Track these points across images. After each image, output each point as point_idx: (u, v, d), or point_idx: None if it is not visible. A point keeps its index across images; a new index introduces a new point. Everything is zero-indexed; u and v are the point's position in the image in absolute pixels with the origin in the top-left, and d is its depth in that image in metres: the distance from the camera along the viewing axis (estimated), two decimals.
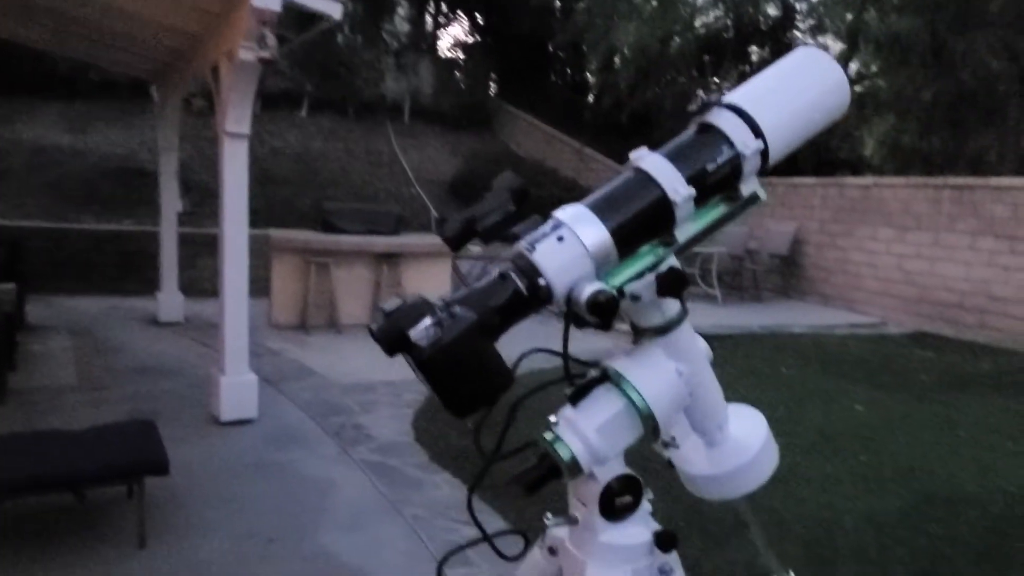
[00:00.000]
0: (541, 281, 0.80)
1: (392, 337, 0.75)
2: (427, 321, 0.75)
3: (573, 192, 11.85)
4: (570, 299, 0.81)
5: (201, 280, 8.25)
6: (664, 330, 0.90)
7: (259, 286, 6.78)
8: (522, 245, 0.83)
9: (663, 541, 0.91)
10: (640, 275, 0.86)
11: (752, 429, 0.98)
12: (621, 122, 13.73)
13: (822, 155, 12.79)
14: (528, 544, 1.06)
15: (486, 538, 1.02)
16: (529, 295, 0.80)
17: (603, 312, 0.79)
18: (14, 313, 5.67)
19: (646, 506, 0.92)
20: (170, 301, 7.41)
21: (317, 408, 5.03)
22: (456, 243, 0.88)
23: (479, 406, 0.79)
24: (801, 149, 1.03)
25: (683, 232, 0.89)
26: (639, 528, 0.91)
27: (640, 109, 13.37)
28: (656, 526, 0.93)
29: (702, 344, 0.96)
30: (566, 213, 0.85)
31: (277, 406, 4.99)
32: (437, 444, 4.46)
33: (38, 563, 2.91)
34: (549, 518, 0.94)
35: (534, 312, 0.83)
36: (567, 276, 0.81)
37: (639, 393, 0.87)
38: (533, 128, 14.97)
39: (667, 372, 0.89)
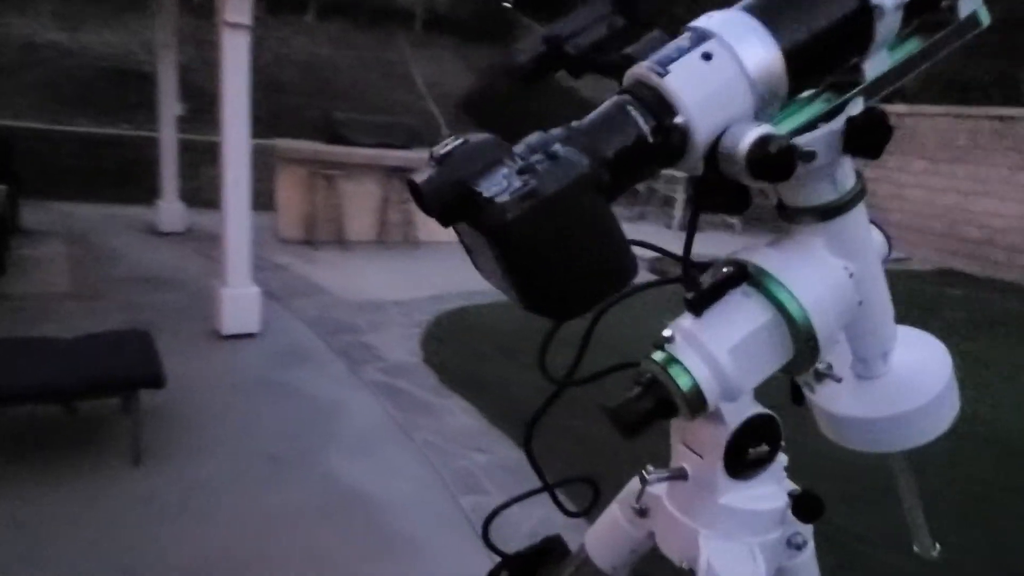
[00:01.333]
0: (678, 119, 0.52)
1: (449, 193, 0.48)
2: (504, 169, 0.48)
3: (524, 84, 11.43)
4: (715, 151, 0.53)
5: (204, 189, 7.90)
6: (832, 212, 0.61)
7: (264, 199, 6.50)
8: (645, 67, 0.54)
9: (804, 507, 0.65)
10: (810, 127, 0.58)
11: (929, 362, 0.70)
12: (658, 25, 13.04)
13: None
14: (599, 496, 0.81)
15: (547, 487, 0.77)
16: (655, 141, 0.52)
17: (774, 169, 0.51)
18: (6, 216, 5.40)
19: (782, 459, 0.67)
20: (171, 210, 7.12)
21: (324, 325, 4.81)
22: (532, 75, 0.59)
23: (587, 302, 0.51)
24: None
25: (873, 66, 0.59)
26: (772, 488, 0.66)
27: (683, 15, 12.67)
28: (792, 486, 0.67)
29: (878, 236, 0.68)
30: (714, 20, 0.55)
31: (282, 322, 4.78)
32: (447, 367, 4.26)
33: (26, 479, 2.73)
34: (650, 471, 0.67)
35: (657, 170, 0.55)
36: (715, 114, 0.53)
37: (795, 299, 0.60)
38: None
39: (833, 271, 0.62)
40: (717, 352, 0.59)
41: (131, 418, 2.90)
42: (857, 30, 0.57)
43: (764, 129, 0.52)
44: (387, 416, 3.61)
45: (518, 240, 0.47)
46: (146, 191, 7.51)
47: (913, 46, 0.62)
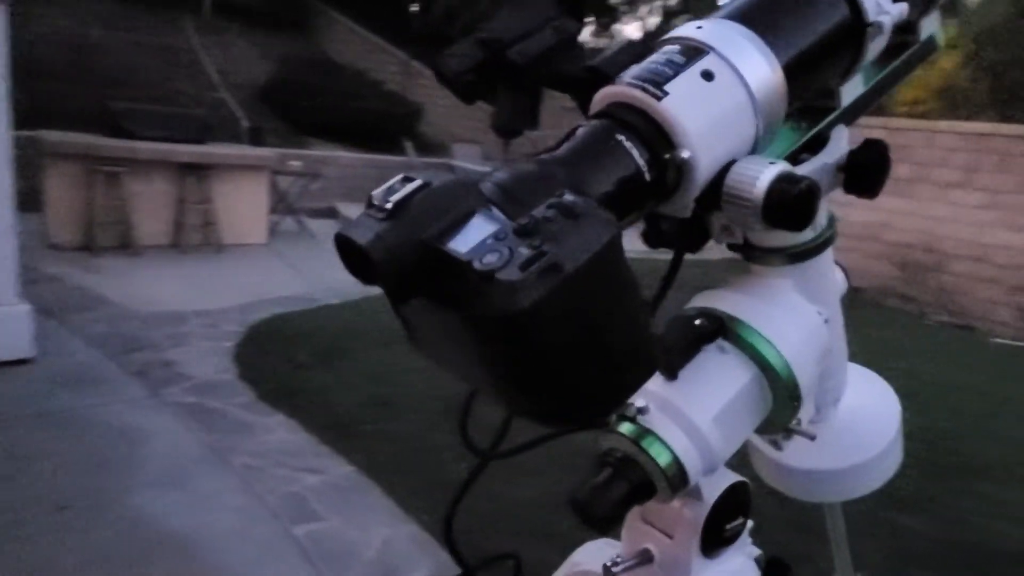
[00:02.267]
0: (684, 154, 0.44)
1: (411, 259, 0.36)
2: (483, 224, 0.37)
3: (402, 107, 11.19)
4: (718, 190, 0.46)
5: None
6: (806, 254, 0.56)
7: (29, 199, 5.63)
8: (631, 85, 0.45)
9: (773, 574, 0.61)
10: (790, 159, 0.52)
11: (879, 409, 0.68)
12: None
13: None
14: (520, 573, 0.71)
15: (466, 572, 0.67)
16: (652, 179, 0.44)
17: (797, 215, 0.45)
18: None
19: (747, 524, 0.61)
20: None
21: (114, 344, 4.25)
22: (470, 89, 0.48)
23: (620, 399, 0.42)
24: None
25: (848, 90, 0.55)
26: (740, 559, 0.60)
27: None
28: (755, 550, 0.62)
29: (840, 277, 0.64)
30: (706, 32, 0.47)
31: (62, 342, 4.16)
32: (266, 381, 3.94)
33: None
34: (618, 560, 0.58)
35: (642, 213, 0.46)
36: (717, 146, 0.45)
37: (777, 351, 0.54)
38: (353, 35, 13.85)
39: (808, 317, 0.57)
40: (700, 421, 0.51)
41: None
42: (846, 48, 0.52)
43: (782, 167, 0.45)
44: (199, 442, 3.26)
45: (532, 332, 0.35)
46: None
47: (876, 70, 0.58)
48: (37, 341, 3.87)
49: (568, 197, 0.37)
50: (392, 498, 2.92)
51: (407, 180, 0.39)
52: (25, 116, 5.35)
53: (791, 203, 0.44)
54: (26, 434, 3.15)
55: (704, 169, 0.45)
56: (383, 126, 10.41)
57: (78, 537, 2.49)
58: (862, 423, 0.67)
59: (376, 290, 0.39)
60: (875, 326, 5.80)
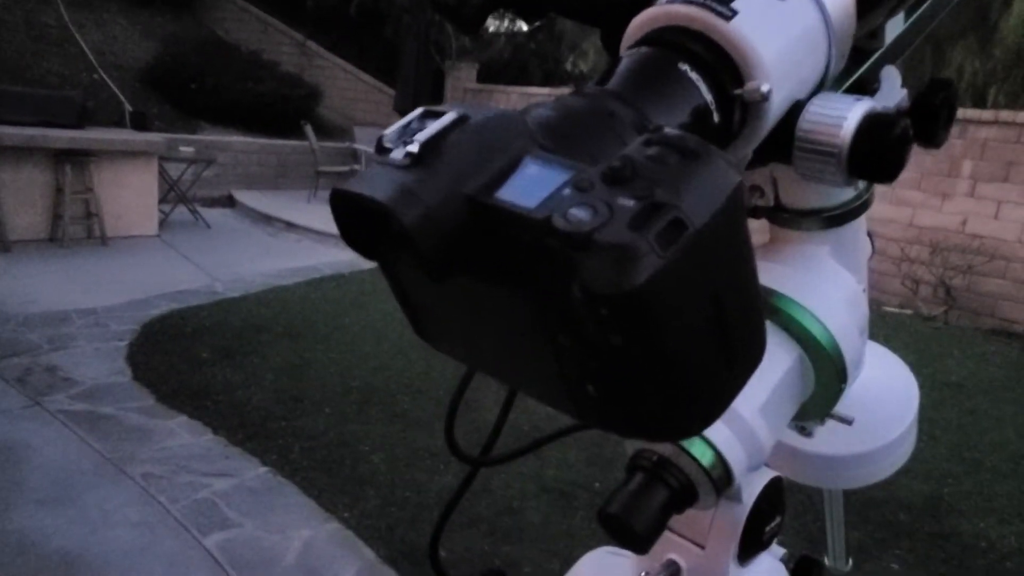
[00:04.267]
0: (763, 87, 0.34)
1: (446, 222, 0.26)
2: (536, 171, 0.27)
3: (299, 89, 10.75)
4: (782, 137, 0.37)
5: None
6: (844, 216, 0.49)
7: None
8: (692, 3, 0.35)
9: (806, 573, 0.54)
10: None
11: (896, 390, 0.62)
12: (349, 15, 12.59)
13: None
14: None
15: None
16: (722, 118, 0.34)
17: (890, 163, 0.36)
18: None
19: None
20: None
21: None
22: (476, 16, 0.38)
23: (731, 397, 0.30)
24: None
25: (893, 27, 0.47)
26: (768, 560, 0.53)
27: (370, 1, 12.36)
28: (780, 550, 0.55)
29: (868, 242, 0.57)
30: None
31: None
32: (166, 381, 3.67)
33: None
34: (648, 571, 0.49)
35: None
36: (789, 80, 0.37)
37: (823, 326, 0.46)
38: (245, 14, 13.16)
39: (848, 287, 0.49)
40: (746, 411, 0.43)
41: None
42: None
43: (871, 104, 0.37)
44: (91, 451, 2.98)
45: (659, 314, 0.25)
46: None
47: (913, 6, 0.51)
48: None
49: (672, 132, 0.27)
50: (310, 497, 2.77)
51: (430, 115, 0.28)
52: None
53: (886, 149, 0.36)
54: None
55: (775, 108, 0.36)
56: (280, 109, 9.95)
57: None
58: (879, 406, 0.61)
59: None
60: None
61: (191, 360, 3.93)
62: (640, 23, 0.37)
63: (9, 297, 4.71)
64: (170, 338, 4.24)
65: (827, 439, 0.58)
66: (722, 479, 0.43)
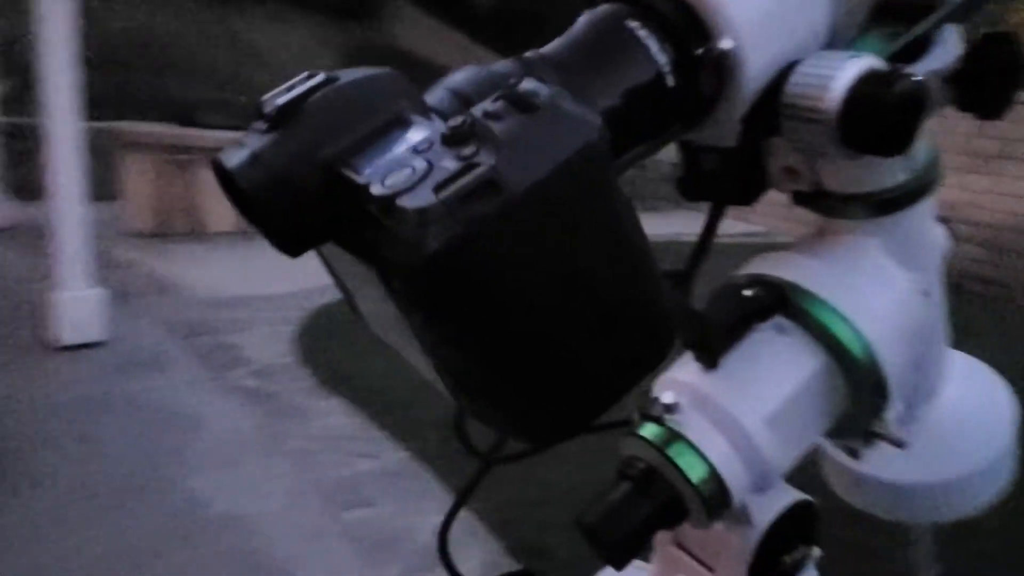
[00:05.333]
0: (724, 44, 0.31)
1: (297, 189, 0.25)
2: (413, 134, 0.25)
3: None
4: (770, 102, 0.33)
5: (37, 179, 7.07)
6: (898, 202, 0.42)
7: (107, 188, 5.85)
8: None
9: None
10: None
11: (987, 409, 0.52)
12: (512, 18, 12.92)
13: None
14: None
15: None
16: (676, 85, 0.31)
17: (894, 128, 0.31)
18: None
19: (814, 554, 0.48)
20: None
21: (180, 328, 4.36)
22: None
23: (600, 404, 0.28)
24: None
25: None
26: None
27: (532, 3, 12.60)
28: None
29: (941, 235, 0.48)
30: None
31: (132, 326, 4.28)
32: (326, 366, 3.96)
33: None
34: None
35: (662, 138, 0.34)
36: (775, 40, 0.33)
37: (856, 330, 0.40)
38: (427, 26, 13.88)
39: (900, 287, 0.43)
40: (748, 423, 0.39)
41: None
42: None
43: (869, 61, 0.32)
44: (256, 425, 3.29)
45: (456, 293, 0.23)
46: None
47: None
48: (109, 325, 3.99)
49: (526, 84, 0.25)
50: (446, 485, 2.88)
51: (310, 76, 0.28)
52: (102, 107, 5.55)
53: (884, 112, 0.31)
54: (97, 416, 3.24)
55: (755, 71, 0.33)
56: None
57: (140, 517, 2.54)
58: (965, 426, 0.53)
59: None
60: (956, 312, 5.41)
61: (349, 347, 4.21)
62: None
63: (203, 283, 5.30)
64: (333, 325, 4.56)
65: (894, 465, 0.52)
66: (715, 499, 0.39)
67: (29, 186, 6.78)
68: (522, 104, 0.24)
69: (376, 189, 0.23)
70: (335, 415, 3.46)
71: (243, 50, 11.98)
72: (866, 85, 0.32)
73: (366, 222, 0.24)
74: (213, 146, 4.85)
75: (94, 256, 4.00)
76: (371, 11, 14.38)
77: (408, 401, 3.57)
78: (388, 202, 0.23)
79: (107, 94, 7.43)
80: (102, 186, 3.95)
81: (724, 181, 0.38)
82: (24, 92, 7.76)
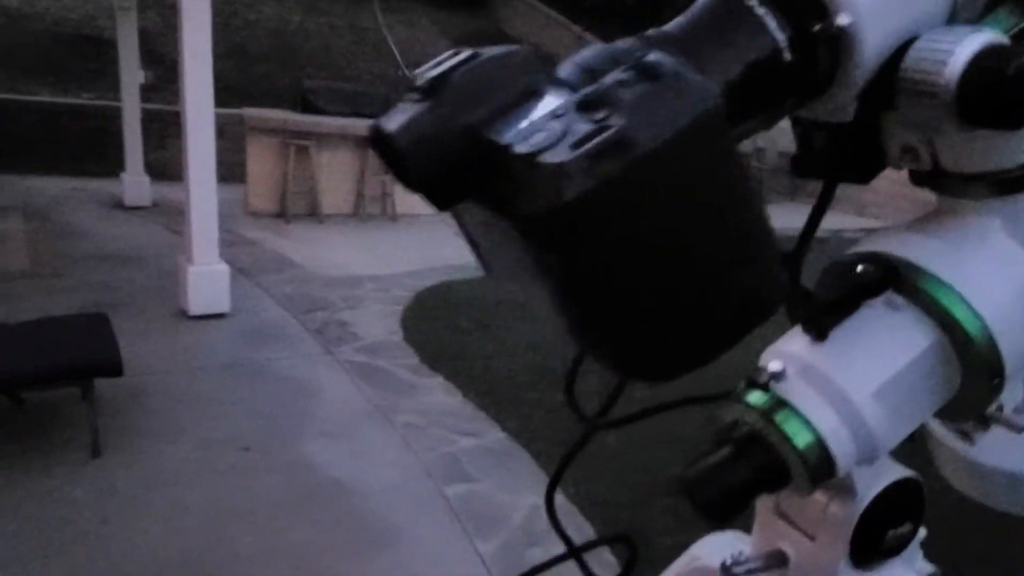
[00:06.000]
0: (841, 20, 0.32)
1: (448, 149, 0.28)
2: (549, 104, 0.28)
3: None
4: (889, 77, 0.33)
5: (172, 162, 7.58)
6: (1019, 182, 0.41)
7: (234, 171, 6.23)
8: None
9: None
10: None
11: None
12: (625, 5, 12.74)
13: None
14: (636, 558, 0.62)
15: (572, 552, 0.59)
16: (794, 60, 0.32)
17: (1012, 102, 0.31)
18: None
19: (919, 533, 0.48)
20: (136, 183, 6.82)
21: (297, 303, 4.60)
22: None
23: (715, 349, 0.30)
24: None
25: None
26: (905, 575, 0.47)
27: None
28: (929, 567, 0.49)
29: None
30: None
31: (253, 300, 4.56)
32: (429, 344, 4.08)
33: None
34: (740, 559, 0.48)
35: (781, 112, 0.34)
36: (894, 15, 0.33)
37: (972, 310, 0.40)
38: (531, 10, 13.93)
39: (1020, 269, 0.41)
40: (855, 395, 0.39)
41: (88, 407, 2.69)
42: None
43: (988, 35, 0.32)
44: (365, 398, 3.43)
45: (589, 237, 0.25)
46: (110, 163, 7.19)
47: None
48: (232, 298, 4.27)
49: (653, 55, 0.27)
50: (542, 466, 2.91)
51: (456, 52, 0.31)
52: (232, 95, 5.93)
53: (1002, 85, 0.31)
54: (218, 382, 3.48)
55: (872, 46, 0.33)
56: None
57: (256, 477, 2.71)
58: None
59: None
60: None
61: (452, 327, 4.31)
62: None
63: (319, 261, 5.57)
64: (437, 306, 4.69)
65: (1015, 453, 0.49)
66: (820, 466, 0.39)
67: (165, 168, 7.34)
68: (649, 73, 0.26)
69: (519, 148, 0.26)
70: (438, 392, 3.56)
71: (362, 39, 12.40)
72: (985, 59, 0.31)
73: (508, 177, 0.26)
74: (329, 132, 5.08)
75: (222, 234, 4.28)
76: (484, 1, 14.58)
77: (510, 383, 3.63)
78: (531, 158, 0.25)
79: (237, 82, 7.89)
80: (228, 168, 4.20)
81: (840, 159, 0.38)
82: (163, 81, 8.37)
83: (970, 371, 0.41)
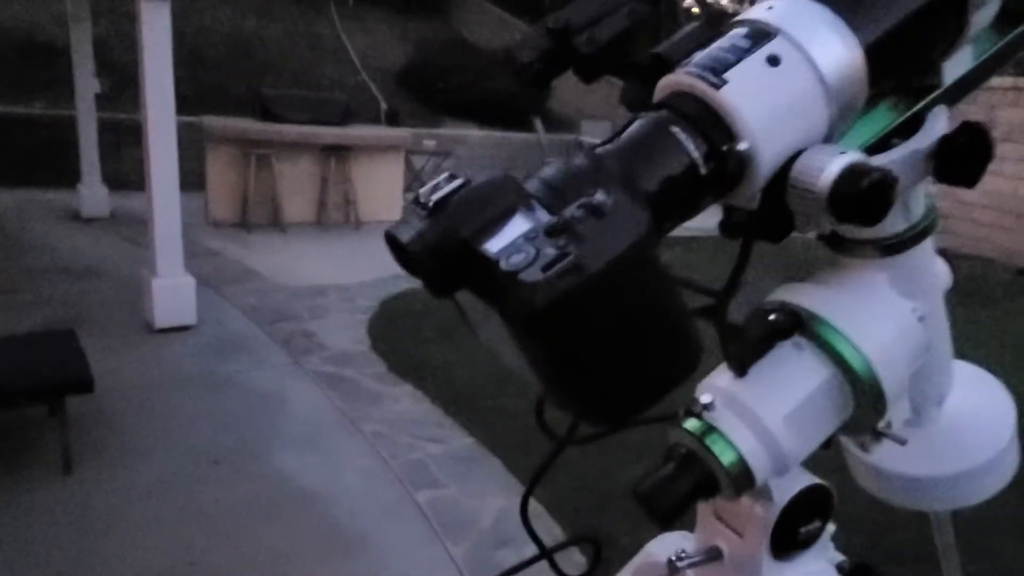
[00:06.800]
0: (741, 146, 0.42)
1: (447, 257, 0.38)
2: (522, 223, 0.38)
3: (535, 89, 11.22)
4: (778, 185, 0.44)
5: (127, 172, 7.51)
6: (901, 245, 0.53)
7: (193, 180, 6.18)
8: (690, 73, 0.44)
9: None
10: (879, 145, 0.49)
11: (989, 410, 0.63)
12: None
13: None
14: (600, 557, 0.73)
15: (544, 554, 0.69)
16: (708, 172, 0.42)
17: (865, 209, 0.41)
18: None
19: (829, 528, 0.59)
20: (93, 194, 6.73)
21: (263, 314, 4.62)
22: (539, 78, 0.49)
23: (647, 402, 0.41)
24: None
25: (953, 66, 0.51)
26: (819, 564, 0.58)
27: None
28: (839, 556, 0.60)
29: (942, 268, 0.60)
30: (777, 12, 0.45)
31: (218, 311, 4.57)
32: (395, 354, 4.15)
33: None
34: (681, 557, 0.59)
35: (700, 208, 0.45)
36: (783, 136, 0.43)
37: (858, 351, 0.51)
38: (489, 15, 14.02)
39: (900, 315, 0.53)
40: (769, 420, 0.50)
41: (58, 424, 2.71)
42: (946, 19, 0.48)
43: (851, 157, 0.42)
44: (333, 407, 3.49)
45: (554, 333, 0.36)
46: (65, 174, 7.07)
47: (990, 42, 0.53)
48: (197, 310, 4.28)
49: (599, 196, 0.37)
50: (509, 471, 3.01)
51: (452, 178, 0.40)
52: (188, 103, 5.88)
53: (860, 197, 0.41)
54: (187, 395, 3.50)
55: (767, 160, 0.43)
56: (513, 104, 10.49)
57: (226, 487, 2.76)
58: (970, 426, 0.62)
59: None
60: None
61: (417, 337, 4.38)
62: (660, 86, 0.46)
63: (283, 272, 5.58)
64: (402, 315, 4.75)
65: (909, 459, 0.61)
66: (742, 478, 0.49)
67: (121, 178, 7.25)
68: (596, 212, 0.36)
69: (504, 265, 0.36)
70: (406, 400, 3.63)
71: (319, 46, 12.34)
72: (847, 176, 0.41)
73: (495, 282, 0.36)
74: (290, 140, 5.11)
75: (183, 245, 4.28)
76: (442, 6, 14.62)
77: (474, 390, 3.72)
78: (513, 276, 0.35)
79: (193, 90, 7.82)
80: (185, 176, 4.19)
81: (754, 227, 0.48)
82: (117, 90, 8.25)
83: (859, 398, 0.52)
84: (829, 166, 0.42)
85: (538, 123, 9.76)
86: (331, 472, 2.93)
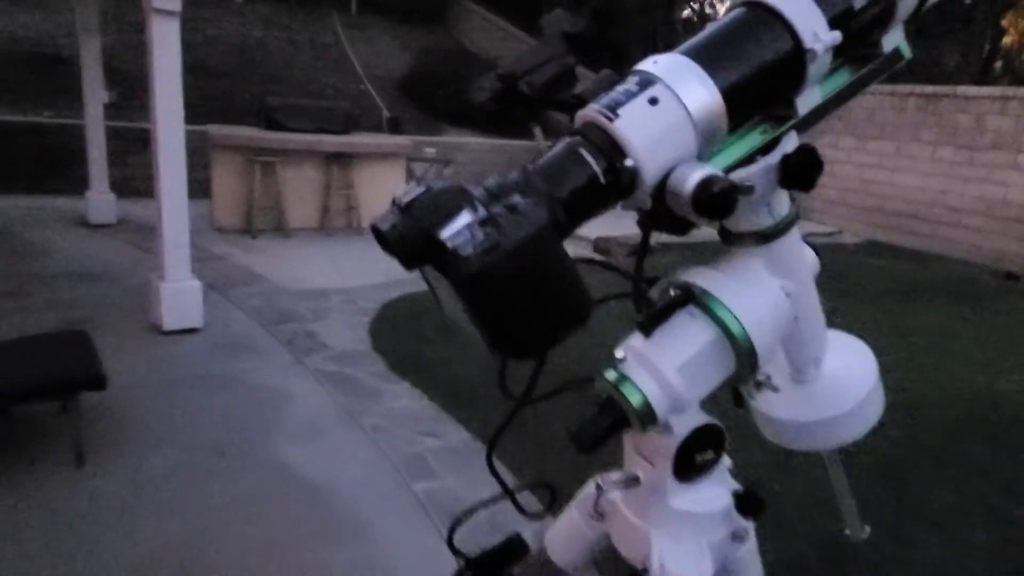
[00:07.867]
0: (628, 162, 0.58)
1: (414, 241, 0.52)
2: (465, 217, 0.52)
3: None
4: (663, 190, 0.59)
5: (134, 179, 7.69)
6: (768, 236, 0.68)
7: (199, 187, 6.33)
8: (594, 109, 0.60)
9: (747, 505, 0.72)
10: (747, 159, 0.64)
11: (857, 366, 0.78)
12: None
13: None
14: (556, 499, 0.86)
15: (507, 492, 0.82)
16: (607, 181, 0.58)
17: (716, 208, 0.57)
18: None
19: (726, 462, 0.73)
20: (101, 201, 6.88)
21: (267, 316, 4.76)
22: (492, 115, 0.65)
23: (547, 343, 0.57)
24: None
25: (805, 101, 0.65)
26: (717, 490, 0.72)
27: (604, 5, 12.73)
28: (736, 485, 0.74)
29: (809, 255, 0.75)
30: (659, 65, 0.61)
31: (224, 314, 4.71)
32: (396, 352, 4.29)
33: None
34: (603, 480, 0.74)
35: (607, 208, 0.60)
36: (662, 155, 0.58)
37: (736, 319, 0.66)
38: (488, 23, 14.21)
39: (771, 291, 0.69)
40: (666, 370, 0.65)
41: (72, 419, 2.84)
42: (791, 70, 0.63)
43: (707, 171, 0.57)
44: (335, 403, 3.62)
45: (483, 290, 0.52)
46: (73, 182, 7.25)
47: (842, 79, 0.68)
48: (205, 313, 4.42)
49: (515, 198, 0.53)
50: (504, 462, 3.12)
51: (418, 184, 0.55)
52: (195, 112, 6.03)
53: (711, 199, 0.56)
54: (194, 392, 3.63)
55: (651, 173, 0.58)
56: (512, 112, 10.62)
57: (232, 479, 2.89)
58: (842, 379, 0.77)
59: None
60: None
61: (418, 336, 4.52)
62: (578, 118, 0.62)
63: (287, 275, 5.73)
64: (403, 316, 4.89)
65: (796, 408, 0.76)
66: (646, 416, 0.65)
67: (127, 185, 7.41)
68: (512, 209, 0.53)
69: (450, 245, 0.52)
70: (404, 397, 3.76)
71: (323, 55, 12.53)
72: (701, 184, 0.57)
73: (446, 258, 0.52)
74: (294, 148, 5.29)
75: (191, 250, 4.43)
76: (443, 16, 14.81)
77: (471, 387, 3.84)
78: (455, 253, 0.52)
79: (199, 99, 7.98)
80: (191, 184, 4.33)
81: (656, 221, 0.63)
82: (124, 99, 8.42)
83: (739, 356, 0.67)
84: (691, 177, 0.57)
85: (537, 131, 9.83)
86: (332, 464, 3.06)
